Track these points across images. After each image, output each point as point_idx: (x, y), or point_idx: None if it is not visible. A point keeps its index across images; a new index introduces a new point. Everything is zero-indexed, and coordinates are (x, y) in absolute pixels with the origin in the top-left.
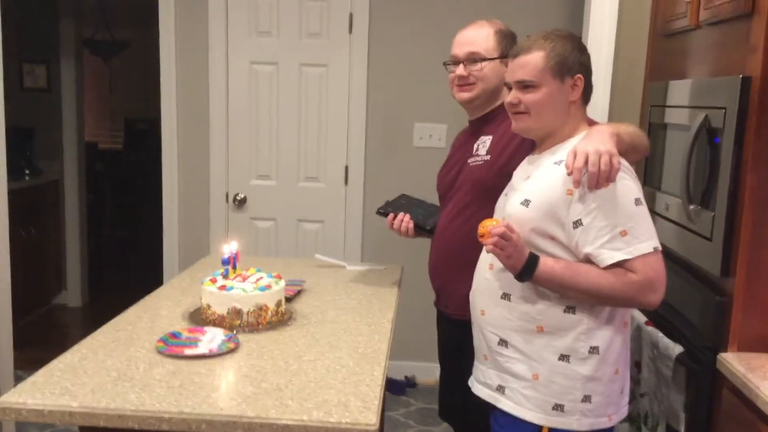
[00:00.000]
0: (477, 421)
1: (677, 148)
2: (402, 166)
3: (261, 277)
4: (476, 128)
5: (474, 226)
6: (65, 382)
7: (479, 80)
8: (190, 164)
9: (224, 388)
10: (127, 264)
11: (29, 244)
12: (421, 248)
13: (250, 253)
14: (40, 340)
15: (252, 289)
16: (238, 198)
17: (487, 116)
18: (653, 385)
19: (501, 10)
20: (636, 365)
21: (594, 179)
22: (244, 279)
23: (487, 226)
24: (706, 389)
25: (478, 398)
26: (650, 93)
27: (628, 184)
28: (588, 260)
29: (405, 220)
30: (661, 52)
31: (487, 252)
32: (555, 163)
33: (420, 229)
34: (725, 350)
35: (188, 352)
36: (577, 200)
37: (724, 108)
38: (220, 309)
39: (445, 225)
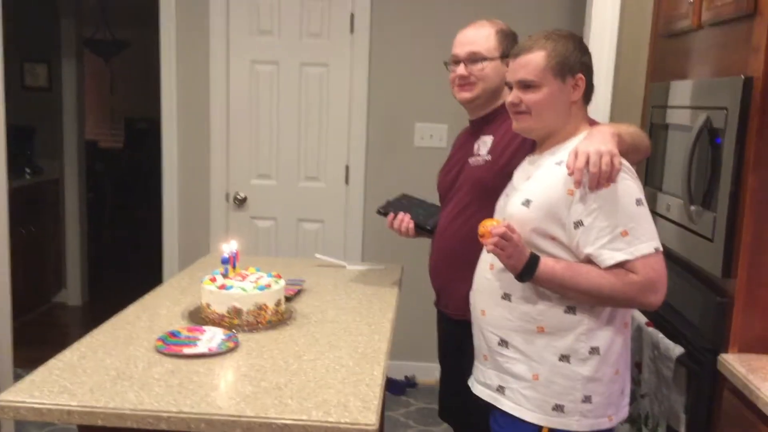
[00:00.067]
0: (477, 422)
1: (678, 149)
2: (403, 166)
3: (261, 277)
4: (477, 128)
5: (474, 226)
6: (64, 380)
7: (480, 80)
8: (191, 163)
9: (223, 387)
10: (126, 263)
11: (29, 242)
12: (422, 248)
13: (250, 252)
14: (40, 339)
15: (251, 288)
16: (238, 197)
17: (487, 116)
18: (654, 385)
19: (502, 9)
20: (636, 366)
21: (595, 179)
22: (244, 278)
23: (487, 226)
24: (707, 390)
25: (478, 398)
26: (652, 93)
27: (629, 185)
28: (589, 261)
29: (405, 219)
30: (663, 52)
31: (488, 252)
32: (556, 163)
33: (420, 229)
34: (726, 351)
35: (187, 351)
36: (578, 200)
37: (726, 108)
38: (219, 308)
39: (445, 225)
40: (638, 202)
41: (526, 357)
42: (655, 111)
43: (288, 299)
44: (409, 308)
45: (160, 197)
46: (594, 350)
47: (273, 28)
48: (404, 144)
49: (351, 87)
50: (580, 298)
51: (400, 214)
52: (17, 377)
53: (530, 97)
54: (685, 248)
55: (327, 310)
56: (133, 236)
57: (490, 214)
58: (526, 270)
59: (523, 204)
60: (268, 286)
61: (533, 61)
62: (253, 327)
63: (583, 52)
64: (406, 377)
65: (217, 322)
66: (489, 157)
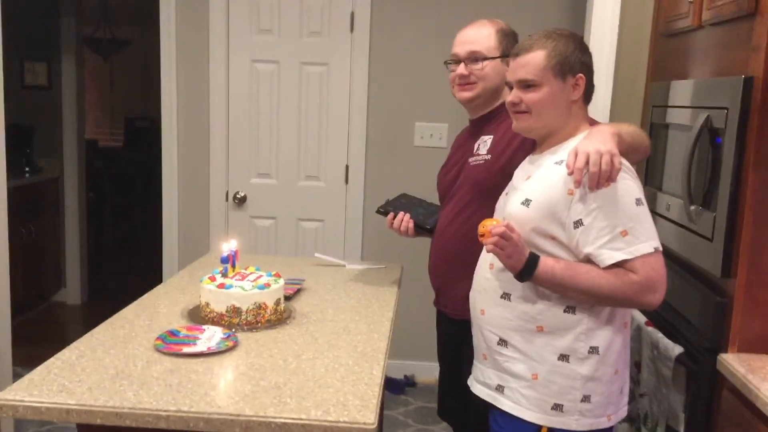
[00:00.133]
0: (476, 421)
1: (679, 149)
2: (402, 166)
3: (260, 276)
4: (477, 128)
5: (474, 226)
6: (62, 379)
7: (480, 79)
8: (190, 162)
9: (222, 386)
10: (126, 262)
11: (29, 241)
12: (421, 248)
13: (249, 251)
14: (39, 338)
15: (251, 287)
16: (238, 196)
17: (487, 116)
18: (653, 385)
19: (502, 9)
20: (636, 365)
21: (595, 179)
22: (243, 277)
23: (487, 225)
24: (706, 390)
25: (477, 398)
26: (652, 93)
27: (629, 184)
28: (588, 260)
29: (405, 219)
30: (663, 52)
31: (488, 252)
32: (556, 162)
33: (420, 229)
34: (725, 351)
35: (186, 350)
36: (577, 200)
37: (726, 108)
38: (218, 307)
39: (445, 224)
40: (638, 201)
41: (525, 356)
42: (656, 110)
43: (287, 298)
44: (409, 307)
45: (159, 196)
46: (593, 350)
47: (273, 27)
48: (404, 143)
49: (351, 86)
50: (579, 297)
51: (400, 214)
52: (16, 376)
53: (530, 96)
54: (684, 248)
55: (326, 309)
56: (133, 235)
57: (489, 213)
58: (526, 269)
59: (523, 203)
60: (268, 285)
61: (533, 60)
62: (253, 326)
63: (584, 51)
64: (405, 376)
65: (217, 321)
66: (489, 157)
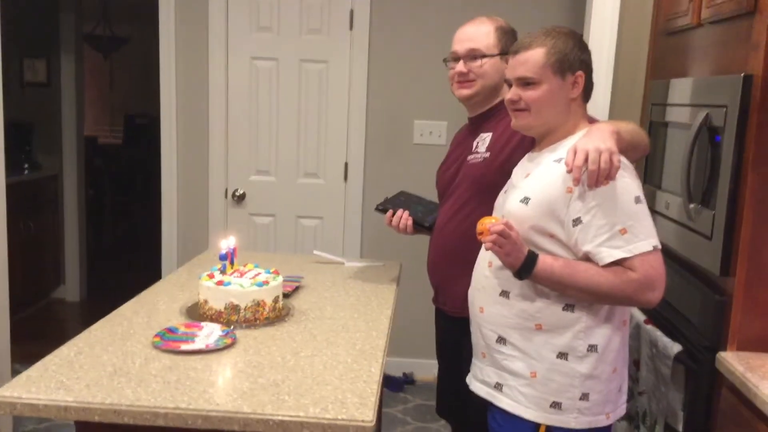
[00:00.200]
0: (475, 419)
1: (678, 147)
2: (402, 163)
3: (258, 273)
4: (476, 125)
5: (473, 224)
6: (60, 376)
7: (479, 77)
8: (190, 159)
9: (221, 383)
10: (125, 259)
11: (28, 238)
12: (420, 245)
13: (248, 248)
14: (38, 335)
15: (249, 284)
16: (237, 194)
17: (486, 113)
18: (652, 383)
19: (502, 7)
20: (635, 364)
21: (594, 177)
22: (242, 274)
23: (485, 223)
24: (705, 388)
25: (475, 396)
26: (651, 91)
27: (628, 182)
28: (587, 258)
29: (404, 217)
30: (663, 50)
31: (486, 249)
32: (555, 160)
33: (419, 226)
34: (724, 349)
35: (185, 347)
36: (576, 198)
37: (725, 106)
38: (217, 304)
39: (444, 222)
40: (637, 199)
41: (524, 354)
42: (655, 109)
43: (286, 296)
44: (408, 305)
45: (159, 193)
46: (592, 348)
47: (272, 24)
48: (403, 141)
49: (350, 84)
50: (578, 295)
51: (399, 211)
52: (15, 373)
53: (529, 94)
54: (683, 246)
55: (325, 306)
56: (132, 232)
57: (488, 211)
58: (525, 267)
59: (522, 201)
60: (266, 282)
61: (532, 58)
62: (251, 323)
63: (583, 49)
64: (404, 374)
65: (215, 318)
66: (488, 154)
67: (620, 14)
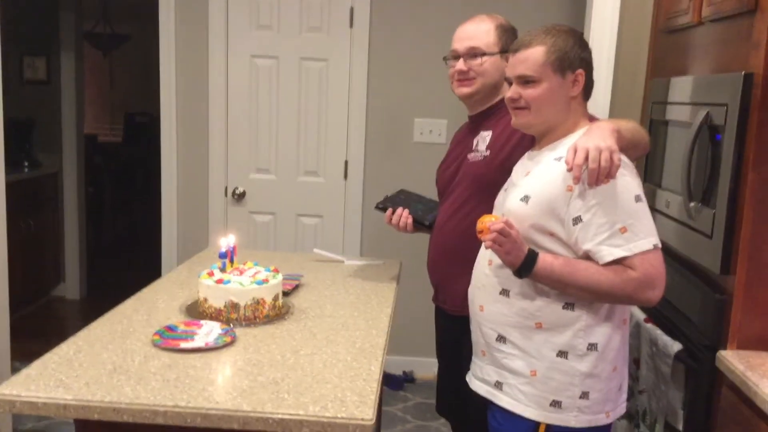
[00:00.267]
0: (475, 417)
1: (678, 145)
2: (402, 162)
3: (258, 271)
4: (476, 123)
5: (473, 222)
6: (60, 374)
7: (479, 75)
8: (190, 158)
9: (220, 381)
10: (125, 257)
11: (28, 236)
12: (420, 244)
13: (248, 247)
14: (38, 332)
15: (249, 282)
16: (237, 192)
17: (486, 111)
18: (652, 382)
19: (502, 5)
20: (635, 362)
21: (594, 175)
22: (242, 273)
23: (485, 222)
24: (705, 387)
25: (475, 394)
26: (652, 89)
27: (628, 181)
28: (587, 257)
29: (404, 215)
30: (663, 48)
31: (486, 248)
32: (555, 159)
33: (419, 225)
34: (724, 348)
35: (184, 345)
36: (576, 197)
37: (726, 105)
38: (216, 302)
39: (444, 220)
40: (637, 198)
41: (524, 353)
42: (655, 107)
43: (286, 294)
44: (408, 303)
45: (159, 191)
46: (592, 346)
47: (272, 22)
48: (403, 139)
49: (350, 82)
50: (578, 294)
51: (399, 210)
52: (15, 371)
53: (530, 92)
54: (684, 245)
55: (325, 305)
56: (132, 230)
57: (488, 209)
58: (525, 266)
59: (522, 200)
60: (266, 280)
61: (533, 56)
62: (251, 322)
63: (583, 47)
64: (404, 372)
65: (215, 316)
66: (488, 153)
67: (620, 12)
